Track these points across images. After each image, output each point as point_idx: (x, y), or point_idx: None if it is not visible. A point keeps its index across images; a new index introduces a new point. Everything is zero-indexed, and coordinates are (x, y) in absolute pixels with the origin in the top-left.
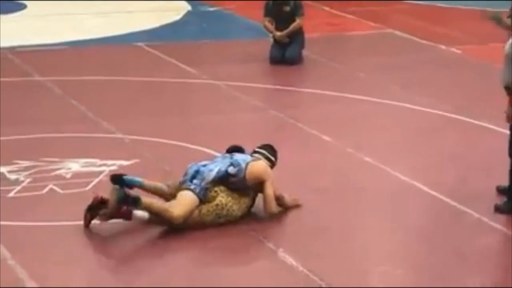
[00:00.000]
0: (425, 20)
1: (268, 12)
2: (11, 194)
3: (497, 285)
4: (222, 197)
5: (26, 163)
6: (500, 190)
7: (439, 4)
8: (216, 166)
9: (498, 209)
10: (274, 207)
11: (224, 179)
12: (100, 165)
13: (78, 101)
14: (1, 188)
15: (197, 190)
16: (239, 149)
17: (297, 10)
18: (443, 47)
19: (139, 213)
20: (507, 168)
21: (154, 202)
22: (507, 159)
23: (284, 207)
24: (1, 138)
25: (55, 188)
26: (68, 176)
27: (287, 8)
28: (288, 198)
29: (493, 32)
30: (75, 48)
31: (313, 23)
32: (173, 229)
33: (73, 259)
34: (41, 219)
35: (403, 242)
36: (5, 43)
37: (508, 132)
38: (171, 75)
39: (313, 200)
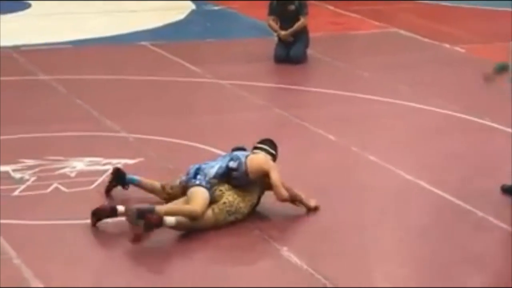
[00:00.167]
0: (429, 19)
1: (272, 11)
2: (16, 193)
3: (502, 284)
4: (229, 195)
5: (30, 162)
6: (505, 190)
7: (443, 3)
8: (217, 163)
9: (505, 191)
10: (284, 192)
11: (226, 175)
12: (105, 164)
13: (83, 100)
14: (6, 187)
15: (204, 184)
16: (242, 150)
17: (302, 9)
18: (447, 46)
19: (168, 219)
20: None
21: (169, 206)
22: None
23: (307, 208)
24: (6, 136)
25: (60, 187)
26: (73, 175)
27: (292, 7)
28: (306, 200)
29: (498, 31)
30: (80, 47)
31: (317, 22)
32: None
33: (78, 258)
34: (46, 218)
35: (407, 240)
36: (10, 42)
37: None
38: (175, 74)
39: (318, 199)
